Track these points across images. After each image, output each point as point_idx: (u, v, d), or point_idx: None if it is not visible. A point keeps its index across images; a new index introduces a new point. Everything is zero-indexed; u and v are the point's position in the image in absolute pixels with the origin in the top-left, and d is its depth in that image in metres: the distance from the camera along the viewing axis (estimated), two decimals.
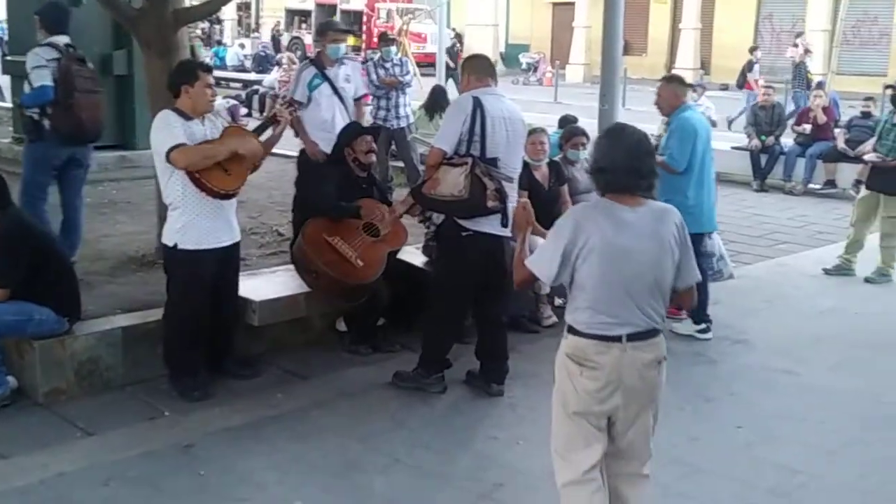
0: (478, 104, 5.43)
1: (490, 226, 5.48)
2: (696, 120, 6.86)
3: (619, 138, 3.67)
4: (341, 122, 7.61)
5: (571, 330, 3.61)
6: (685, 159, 6.61)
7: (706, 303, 6.89)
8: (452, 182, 5.36)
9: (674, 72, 32.26)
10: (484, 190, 5.33)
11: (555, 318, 7.06)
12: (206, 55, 20.72)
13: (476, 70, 5.70)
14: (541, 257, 3.63)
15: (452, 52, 27.87)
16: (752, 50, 22.43)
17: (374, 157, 6.54)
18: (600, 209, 3.60)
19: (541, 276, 3.63)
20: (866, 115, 12.76)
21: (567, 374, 3.61)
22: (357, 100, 7.95)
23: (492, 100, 5.52)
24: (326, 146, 7.39)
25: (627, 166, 3.56)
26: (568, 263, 3.53)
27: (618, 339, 3.51)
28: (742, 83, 20.81)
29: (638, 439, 3.66)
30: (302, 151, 7.65)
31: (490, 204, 5.36)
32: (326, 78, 7.54)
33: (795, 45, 21.17)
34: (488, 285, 5.66)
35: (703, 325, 6.87)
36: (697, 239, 6.14)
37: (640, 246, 3.52)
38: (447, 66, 27.13)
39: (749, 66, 21.24)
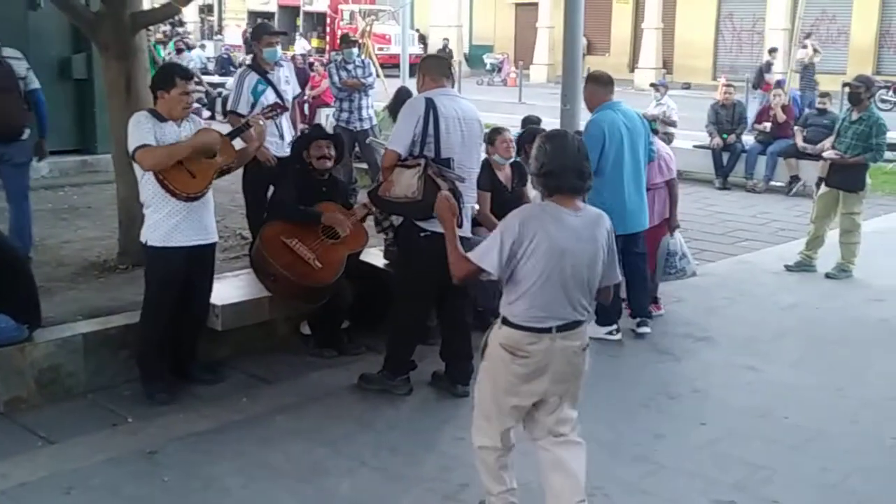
0: (430, 105, 5.42)
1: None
2: (608, 121, 6.61)
3: (563, 142, 3.93)
4: (287, 124, 7.59)
5: (506, 322, 3.89)
6: (594, 162, 6.19)
7: (646, 303, 6.97)
8: (406, 184, 5.36)
9: (637, 71, 32.66)
10: (437, 191, 5.32)
11: None
12: (165, 57, 20.57)
13: (431, 71, 5.70)
14: (488, 252, 3.83)
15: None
16: (772, 51, 22.44)
17: (327, 163, 6.43)
18: (548, 212, 3.85)
19: (488, 268, 3.82)
20: (822, 111, 12.89)
21: (500, 360, 3.91)
22: (293, 99, 7.96)
23: (445, 100, 5.51)
24: (276, 150, 7.36)
25: (574, 169, 3.85)
26: (512, 260, 3.79)
27: (548, 330, 3.82)
28: (758, 83, 20.73)
29: (564, 415, 4.00)
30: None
31: None
32: (269, 82, 7.47)
33: (804, 47, 21.07)
34: (450, 286, 5.66)
35: (612, 327, 6.77)
36: (623, 240, 6.12)
37: (579, 248, 3.82)
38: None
39: (767, 67, 21.23)
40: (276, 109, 6.57)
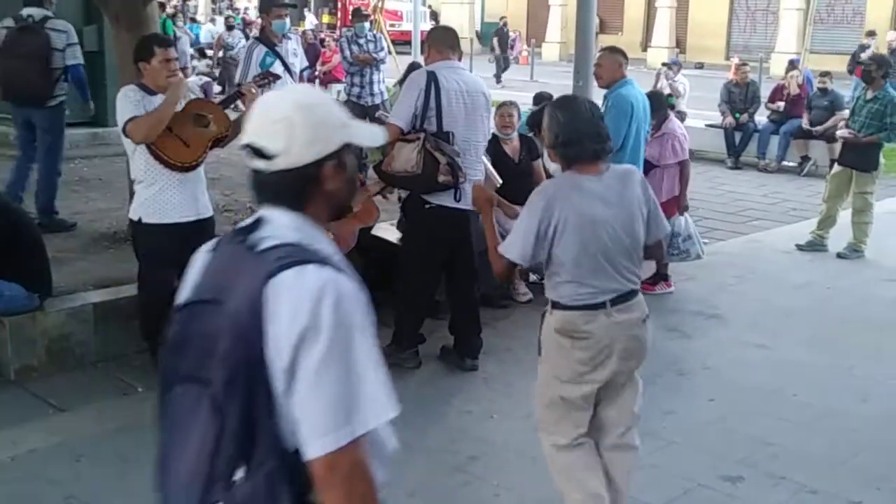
0: (432, 78, 5.38)
1: (449, 199, 5.48)
2: (633, 96, 6.63)
3: (575, 108, 3.69)
4: None
5: (556, 305, 3.64)
6: (620, 137, 6.40)
7: None
8: (405, 158, 5.36)
9: (650, 50, 32.49)
10: (436, 164, 5.32)
11: (530, 295, 7.08)
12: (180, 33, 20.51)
13: (436, 43, 5.65)
14: (513, 240, 3.62)
15: (503, 36, 27.33)
16: (870, 34, 21.97)
17: None
18: (569, 183, 3.61)
19: (515, 258, 3.59)
20: (823, 90, 12.81)
21: (558, 349, 3.64)
22: (301, 72, 7.96)
23: (448, 73, 5.46)
24: None
25: (591, 133, 3.60)
26: (543, 241, 3.54)
27: (602, 305, 3.57)
28: (853, 69, 20.28)
29: (629, 404, 3.77)
30: None
31: (441, 179, 5.35)
32: (277, 55, 7.45)
33: None
34: (457, 259, 5.66)
35: None
36: None
37: (611, 213, 3.56)
38: (493, 51, 26.69)
39: (862, 50, 20.88)
40: (269, 77, 6.54)
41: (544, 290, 3.74)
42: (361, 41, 11.07)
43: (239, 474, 1.82)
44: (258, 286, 1.82)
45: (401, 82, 11.86)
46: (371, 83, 10.91)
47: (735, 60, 16.31)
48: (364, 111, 10.86)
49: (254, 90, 5.85)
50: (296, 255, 1.86)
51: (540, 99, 9.34)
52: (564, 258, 3.54)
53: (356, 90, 10.93)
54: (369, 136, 2.10)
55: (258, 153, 1.93)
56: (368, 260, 6.35)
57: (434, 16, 36.99)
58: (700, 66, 29.56)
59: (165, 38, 5.64)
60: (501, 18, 29.58)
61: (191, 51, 19.23)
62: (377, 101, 10.98)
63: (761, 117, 13.81)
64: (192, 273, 2.05)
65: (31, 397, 5.21)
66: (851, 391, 5.62)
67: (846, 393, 5.59)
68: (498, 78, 25.07)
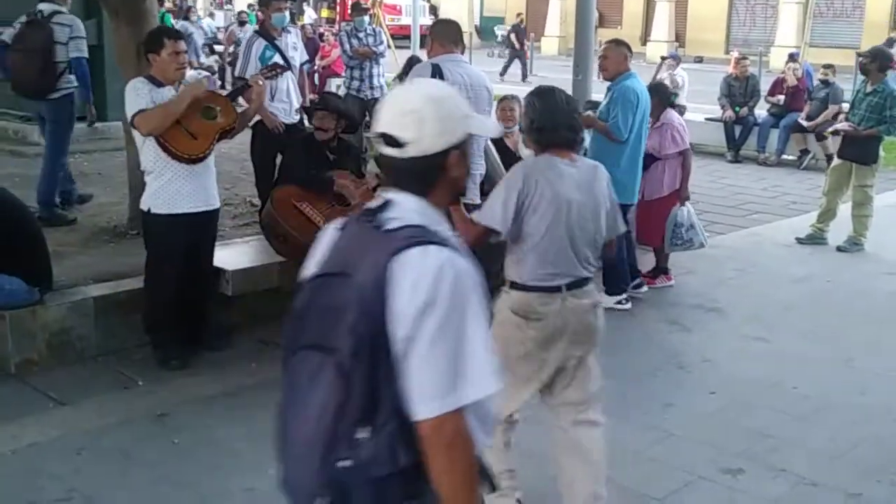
0: (437, 71, 5.38)
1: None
2: (639, 89, 6.66)
3: (553, 98, 3.86)
4: (294, 91, 7.57)
5: (514, 285, 3.78)
6: (627, 128, 6.46)
7: (627, 275, 6.92)
8: None
9: (649, 44, 32.45)
10: None
11: None
12: (193, 28, 20.43)
13: (440, 36, 5.65)
14: (493, 209, 3.73)
15: (520, 31, 26.56)
16: None
17: (324, 135, 6.37)
18: (547, 163, 3.76)
19: (496, 225, 3.71)
20: (825, 83, 12.80)
21: (512, 326, 3.76)
22: (301, 66, 7.97)
23: (452, 66, 5.46)
24: (283, 116, 7.39)
25: (566, 123, 3.80)
26: (519, 214, 3.68)
27: (558, 289, 3.72)
28: None
29: (585, 385, 3.86)
30: (257, 123, 7.27)
31: None
32: (277, 48, 7.45)
33: None
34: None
35: (621, 297, 6.79)
36: (626, 209, 6.14)
37: (581, 198, 3.73)
38: (512, 47, 25.87)
39: (890, 44, 20.73)
40: (276, 69, 6.55)
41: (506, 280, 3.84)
42: (361, 35, 11.04)
43: (363, 434, 1.99)
44: (384, 262, 2.01)
45: (400, 76, 11.89)
46: (371, 77, 10.88)
47: (735, 54, 16.30)
48: (363, 105, 10.85)
49: (260, 83, 5.87)
50: (420, 236, 2.06)
51: None
52: (534, 233, 3.68)
53: (356, 84, 10.89)
54: (489, 127, 2.42)
55: (391, 141, 2.13)
56: None
57: (433, 10, 36.93)
58: (699, 59, 29.54)
59: (175, 31, 5.67)
60: (518, 15, 29.13)
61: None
62: (377, 94, 10.94)
63: (761, 111, 13.80)
64: (318, 249, 2.26)
65: (31, 391, 5.21)
66: (851, 384, 5.62)
67: (846, 386, 5.59)
68: (503, 72, 24.60)
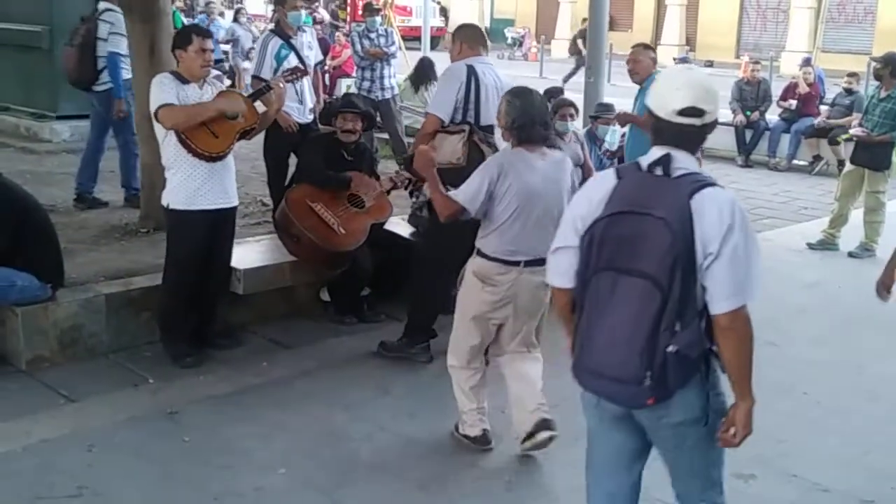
0: (472, 72, 5.41)
1: None
2: None
3: (530, 98, 4.39)
4: (309, 91, 7.57)
5: (479, 253, 4.44)
6: None
7: None
8: (450, 149, 5.30)
9: (660, 48, 32.38)
10: (481, 157, 5.27)
11: None
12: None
13: (469, 39, 5.67)
14: (467, 190, 4.34)
15: (585, 36, 25.16)
16: None
17: (351, 137, 6.42)
18: (519, 157, 4.37)
19: (466, 204, 4.32)
20: (848, 91, 12.76)
21: (472, 286, 4.47)
22: (316, 66, 7.97)
23: (484, 68, 5.51)
24: (298, 116, 7.38)
25: (541, 121, 4.39)
26: (489, 199, 4.30)
27: (517, 263, 4.36)
28: None
29: (524, 339, 4.61)
30: (271, 123, 7.36)
31: None
32: (293, 48, 7.45)
33: None
34: None
35: None
36: None
37: (548, 189, 4.35)
38: (579, 54, 22.62)
39: None
40: (297, 73, 6.56)
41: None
42: (373, 35, 11.05)
43: (678, 328, 2.72)
44: (685, 199, 2.73)
45: (411, 78, 11.90)
46: (381, 77, 10.88)
47: (745, 58, 16.27)
48: (374, 106, 10.85)
49: (281, 85, 5.88)
50: (703, 180, 2.80)
51: (550, 94, 9.31)
52: (502, 216, 4.31)
53: (367, 84, 10.90)
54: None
55: (695, 112, 2.82)
56: (379, 255, 6.35)
57: (444, 12, 36.96)
58: (710, 63, 29.46)
59: (204, 29, 5.68)
60: (584, 20, 27.77)
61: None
62: (387, 95, 10.95)
63: (772, 116, 13.77)
64: (595, 196, 2.90)
65: (42, 387, 5.22)
66: (862, 390, 5.60)
67: (857, 391, 5.57)
68: (567, 79, 22.43)
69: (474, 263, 4.47)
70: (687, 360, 2.76)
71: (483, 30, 5.92)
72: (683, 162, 2.83)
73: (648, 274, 2.70)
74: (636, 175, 2.88)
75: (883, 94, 8.55)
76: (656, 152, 2.88)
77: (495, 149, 5.31)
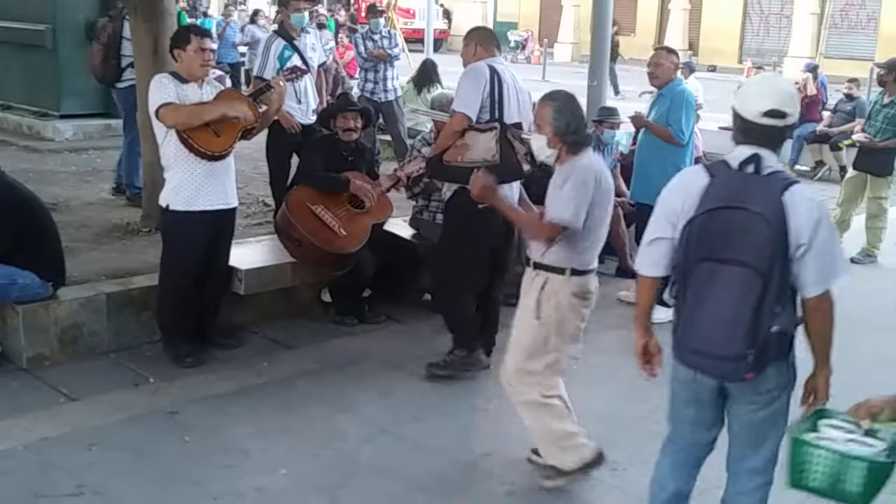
0: (494, 71, 5.38)
1: (506, 198, 5.41)
2: (691, 93, 6.94)
3: (574, 100, 4.29)
4: (311, 92, 7.56)
5: (575, 272, 4.20)
6: (689, 131, 6.72)
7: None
8: (484, 147, 5.22)
9: None
10: (513, 153, 5.24)
11: None
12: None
13: (482, 40, 5.61)
14: (567, 208, 4.09)
15: (613, 44, 23.66)
16: None
17: (353, 135, 6.41)
18: (598, 161, 4.33)
19: (571, 224, 4.08)
20: (849, 97, 12.76)
21: (570, 310, 4.22)
22: (319, 66, 7.99)
23: (502, 68, 5.49)
24: (301, 117, 7.38)
25: (586, 123, 4.37)
26: (589, 211, 4.13)
27: (594, 270, 4.32)
28: None
29: None
30: (273, 123, 7.29)
31: (526, 168, 5.30)
32: (296, 49, 7.45)
33: None
34: (499, 257, 5.59)
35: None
36: None
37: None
38: (612, 59, 23.95)
39: None
40: (297, 72, 6.56)
41: (538, 266, 4.25)
42: (376, 37, 11.03)
43: (778, 310, 3.11)
44: (777, 196, 3.07)
45: (414, 80, 11.87)
46: (385, 79, 10.86)
47: (748, 64, 16.28)
48: (377, 107, 10.84)
49: (282, 84, 5.87)
50: (790, 177, 3.19)
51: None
52: (593, 227, 4.17)
53: (370, 86, 10.88)
54: None
55: (779, 114, 3.15)
56: (381, 256, 6.35)
57: (447, 14, 36.97)
58: (713, 68, 29.47)
59: (203, 28, 5.66)
60: (615, 24, 26.80)
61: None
62: (390, 97, 10.93)
63: None
64: (689, 192, 3.21)
65: (42, 386, 5.21)
66: (861, 394, 5.54)
67: (855, 396, 5.49)
68: (616, 89, 21.57)
69: (571, 284, 4.20)
70: (785, 338, 3.21)
71: (494, 33, 5.89)
72: (770, 161, 3.17)
73: (749, 263, 3.06)
74: (728, 173, 3.19)
75: (886, 99, 8.56)
76: (745, 151, 3.19)
77: (528, 145, 5.19)
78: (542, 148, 4.25)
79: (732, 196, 3.11)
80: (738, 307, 3.08)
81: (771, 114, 3.14)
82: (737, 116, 3.26)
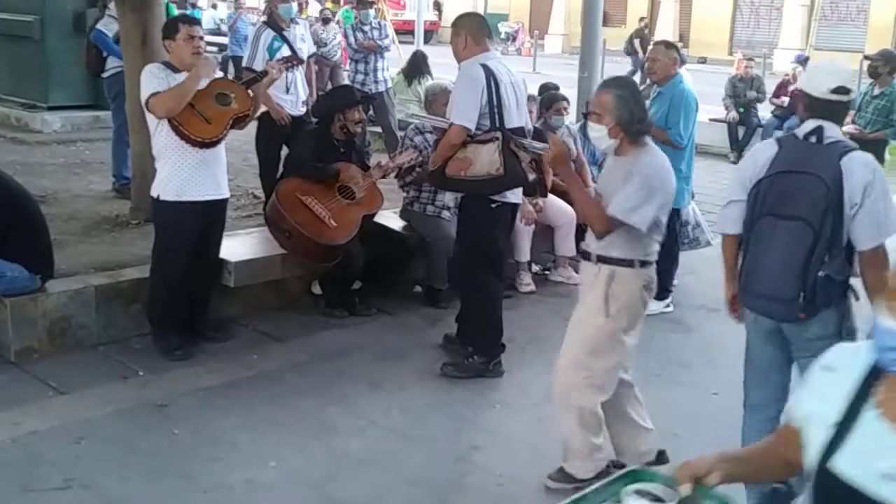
0: (489, 73, 5.12)
1: (515, 196, 5.36)
2: (691, 92, 6.63)
3: (636, 87, 4.20)
4: (301, 83, 7.54)
5: (644, 264, 4.09)
6: (689, 134, 6.42)
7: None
8: (488, 161, 5.03)
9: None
10: (518, 163, 5.06)
11: (533, 286, 7.07)
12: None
13: (474, 31, 5.27)
14: (634, 211, 3.92)
15: (644, 39, 22.69)
16: None
17: (359, 128, 6.48)
18: (659, 154, 4.11)
19: (637, 225, 3.94)
20: None
21: (639, 301, 4.13)
22: (309, 57, 7.96)
23: (497, 65, 5.22)
24: (290, 108, 7.36)
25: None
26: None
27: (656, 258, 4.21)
28: None
29: None
30: (263, 115, 7.22)
31: (532, 177, 5.22)
32: (286, 40, 7.42)
33: None
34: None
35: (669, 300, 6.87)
36: (678, 213, 6.15)
37: None
38: (635, 54, 22.05)
39: None
40: (292, 61, 6.54)
41: (603, 260, 4.07)
42: (366, 28, 11.00)
43: (827, 258, 3.54)
44: (836, 161, 3.53)
45: (405, 71, 11.83)
46: (375, 70, 10.82)
47: (738, 55, 16.27)
48: (367, 99, 10.81)
49: (275, 72, 5.86)
50: (849, 146, 3.64)
51: (545, 89, 9.29)
52: (663, 220, 4.08)
53: (360, 77, 10.84)
54: None
55: (844, 91, 3.67)
56: (371, 249, 6.33)
57: (437, 6, 36.89)
58: (703, 60, 29.49)
59: (191, 17, 5.63)
60: (642, 20, 25.39)
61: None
62: (381, 88, 10.89)
63: (765, 112, 13.77)
64: (760, 160, 3.73)
65: (31, 379, 5.18)
66: None
67: None
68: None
69: (641, 276, 4.10)
70: (833, 284, 3.57)
71: (486, 20, 5.62)
72: (832, 131, 3.62)
73: (803, 217, 3.51)
74: (794, 143, 3.71)
75: (876, 91, 8.57)
76: (810, 124, 3.66)
77: (533, 153, 5.08)
78: (600, 138, 4.06)
79: (796, 162, 3.61)
80: (792, 255, 3.56)
81: (838, 90, 3.65)
82: (805, 95, 3.76)
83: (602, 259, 4.07)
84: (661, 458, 4.33)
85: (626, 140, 4.02)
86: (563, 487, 4.13)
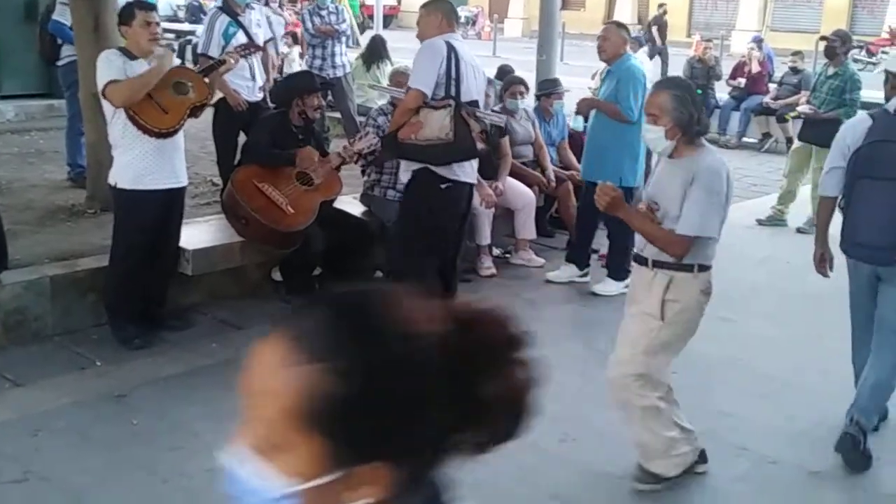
0: (451, 48, 5.35)
1: (467, 175, 5.40)
2: (640, 68, 6.79)
3: (692, 88, 4.22)
4: (259, 69, 7.47)
5: (702, 268, 3.97)
6: (638, 108, 6.45)
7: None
8: (437, 125, 5.19)
9: None
10: (468, 132, 5.21)
11: (493, 269, 7.07)
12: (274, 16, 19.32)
13: (448, 14, 5.57)
14: (704, 218, 3.84)
15: (662, 25, 22.23)
16: None
17: (317, 114, 6.45)
18: (717, 157, 3.99)
19: (706, 235, 3.88)
20: (794, 70, 12.89)
21: (698, 306, 4.01)
22: (265, 43, 7.87)
23: (460, 46, 5.45)
24: (247, 94, 7.29)
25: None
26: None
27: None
28: None
29: None
30: (220, 101, 7.24)
31: (480, 146, 5.27)
32: (241, 25, 7.36)
33: None
34: (458, 234, 5.59)
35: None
36: (631, 192, 6.16)
37: None
38: (653, 42, 21.38)
39: None
40: (250, 48, 6.48)
41: (660, 265, 3.96)
42: (323, 13, 10.89)
43: None
44: None
45: (363, 56, 11.77)
46: (333, 55, 10.71)
47: (697, 37, 16.37)
48: (326, 85, 10.72)
49: (232, 60, 5.81)
50: None
51: (503, 73, 9.29)
52: (726, 216, 3.97)
53: (318, 62, 10.73)
54: None
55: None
56: (331, 234, 6.30)
57: None
58: None
59: (147, 3, 5.55)
60: (661, 6, 24.16)
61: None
62: (339, 73, 10.79)
63: (722, 94, 13.87)
64: (857, 131, 4.39)
65: None
66: (813, 364, 5.67)
67: (807, 365, 5.64)
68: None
69: (700, 281, 3.98)
70: None
71: (452, 4, 5.80)
72: None
73: (895, 178, 4.20)
74: (886, 117, 4.36)
75: (830, 71, 8.65)
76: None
77: (483, 123, 5.20)
78: (657, 140, 3.93)
79: (887, 132, 4.27)
80: (886, 208, 4.25)
81: (891, 75, 4.53)
82: (892, 75, 4.79)
83: (658, 264, 3.96)
84: (702, 457, 4.27)
85: (682, 142, 3.90)
86: (654, 488, 4.12)
